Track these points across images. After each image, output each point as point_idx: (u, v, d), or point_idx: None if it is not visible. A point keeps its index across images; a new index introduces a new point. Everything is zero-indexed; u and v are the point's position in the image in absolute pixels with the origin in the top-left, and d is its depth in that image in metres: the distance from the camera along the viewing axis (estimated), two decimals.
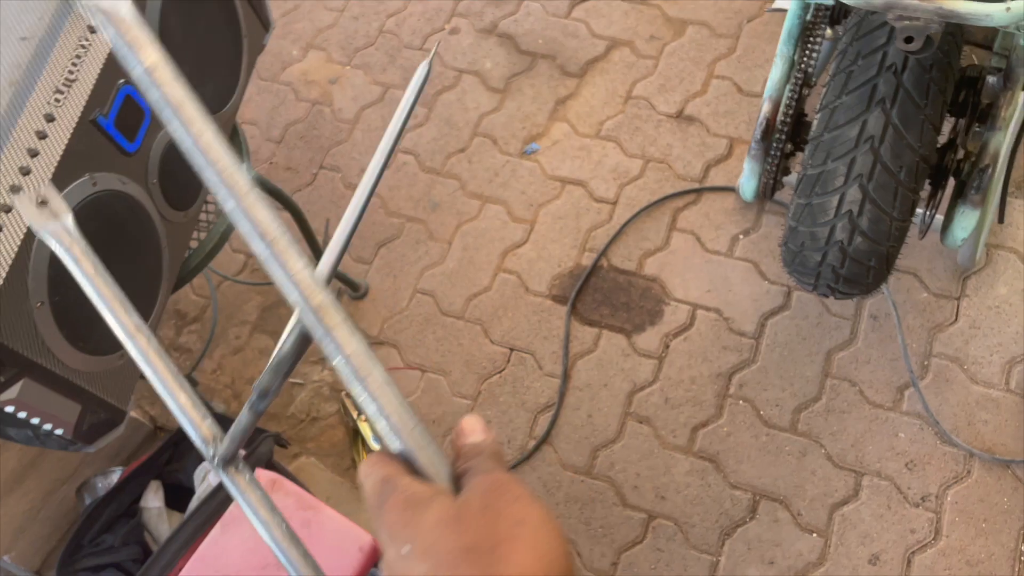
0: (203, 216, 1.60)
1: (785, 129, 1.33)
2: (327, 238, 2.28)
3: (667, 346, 1.98)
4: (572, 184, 2.23)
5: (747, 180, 1.39)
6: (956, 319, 1.90)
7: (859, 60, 1.19)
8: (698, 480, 1.83)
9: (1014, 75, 1.24)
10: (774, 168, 1.36)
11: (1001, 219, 1.71)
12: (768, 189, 1.40)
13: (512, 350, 2.04)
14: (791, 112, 1.33)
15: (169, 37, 1.41)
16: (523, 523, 0.42)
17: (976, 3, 0.94)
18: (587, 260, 2.11)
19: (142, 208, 1.37)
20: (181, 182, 1.48)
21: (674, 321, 2.00)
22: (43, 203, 0.62)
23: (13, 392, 1.17)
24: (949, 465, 1.76)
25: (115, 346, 1.35)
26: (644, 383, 1.94)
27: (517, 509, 0.42)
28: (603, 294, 2.07)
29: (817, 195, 1.24)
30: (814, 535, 1.74)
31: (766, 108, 1.33)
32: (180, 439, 1.87)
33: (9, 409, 1.18)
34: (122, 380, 1.38)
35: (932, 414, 1.79)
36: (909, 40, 0.98)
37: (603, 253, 2.11)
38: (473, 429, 0.50)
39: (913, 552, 1.70)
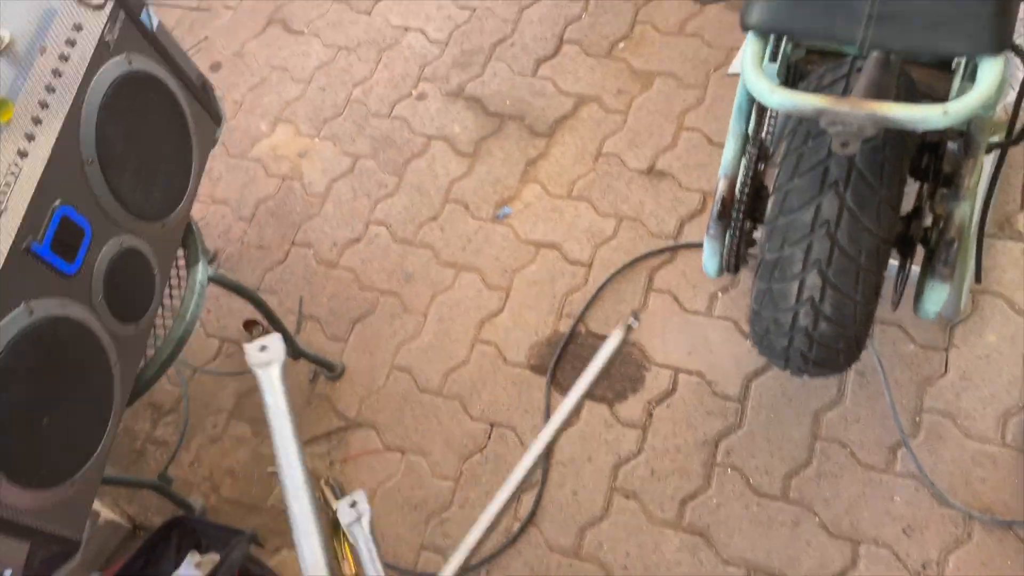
0: (159, 320, 1.56)
1: (742, 207, 1.28)
2: (301, 316, 2.24)
3: (650, 414, 1.92)
4: (546, 247, 2.19)
5: (708, 259, 1.34)
6: (946, 371, 1.83)
7: (809, 140, 1.14)
8: (689, 557, 1.76)
9: (974, 143, 1.20)
10: (735, 246, 1.31)
11: (978, 279, 1.65)
12: (732, 265, 1.35)
13: (492, 426, 1.99)
14: (747, 189, 1.29)
15: (108, 148, 1.37)
16: None
17: (911, 108, 0.89)
18: (564, 326, 2.06)
19: (87, 330, 1.33)
20: (129, 295, 1.44)
21: (656, 387, 1.94)
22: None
23: None
24: (948, 528, 1.69)
25: (66, 475, 1.30)
26: (629, 455, 1.88)
27: None
28: (583, 361, 2.01)
29: (776, 280, 1.19)
30: None
31: (722, 186, 1.29)
32: (156, 543, 1.81)
33: None
34: (75, 509, 1.34)
35: (927, 475, 1.72)
36: (845, 145, 0.93)
37: (580, 318, 2.06)
38: None
39: None
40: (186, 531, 1.82)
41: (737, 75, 2.26)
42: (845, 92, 0.98)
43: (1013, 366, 1.81)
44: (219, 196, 2.48)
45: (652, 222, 2.15)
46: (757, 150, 1.29)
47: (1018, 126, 1.26)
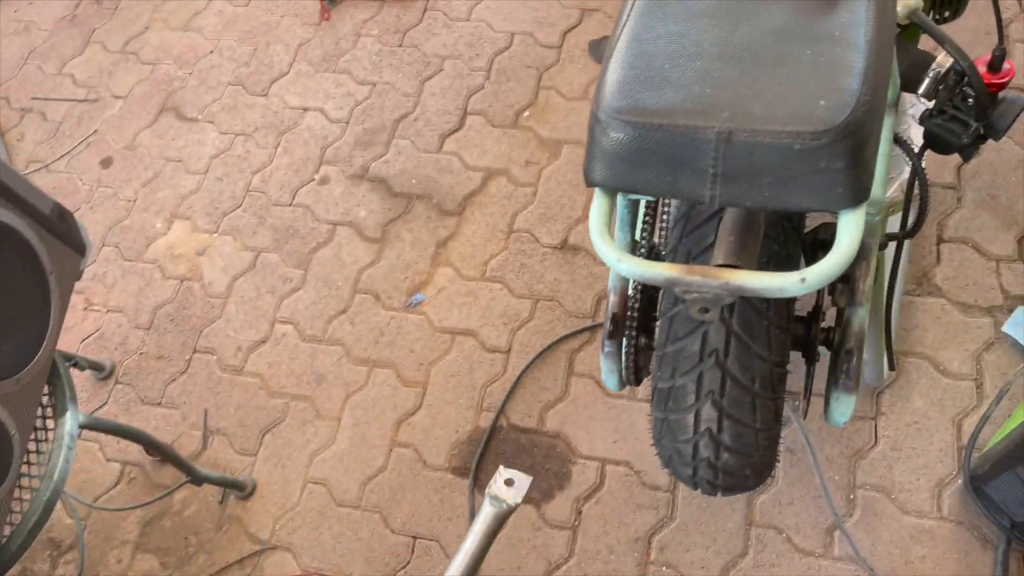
0: (16, 492, 1.41)
1: (635, 323, 1.20)
2: (207, 431, 2.10)
3: (579, 512, 1.82)
4: (462, 335, 2.09)
5: (607, 376, 1.26)
6: (876, 442, 1.77)
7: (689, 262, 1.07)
8: None
9: (865, 247, 1.13)
10: (632, 362, 1.23)
11: (892, 367, 1.60)
12: (633, 378, 1.26)
13: (415, 539, 1.87)
14: (638, 303, 1.20)
15: None
16: None
17: (767, 276, 0.82)
18: (485, 420, 1.96)
19: None
20: None
21: (583, 482, 1.85)
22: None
23: None
24: None
25: None
26: (559, 560, 1.78)
27: None
28: (506, 459, 1.91)
29: (672, 412, 1.10)
30: None
31: (612, 301, 1.20)
32: None
33: None
34: None
35: (864, 560, 1.64)
36: (704, 311, 0.85)
37: (501, 411, 1.96)
38: None
39: None
40: None
41: None
42: (706, 250, 0.90)
43: (944, 431, 1.75)
44: (114, 304, 2.33)
45: (568, 301, 2.07)
46: (647, 252, 1.21)
47: (911, 218, 1.20)
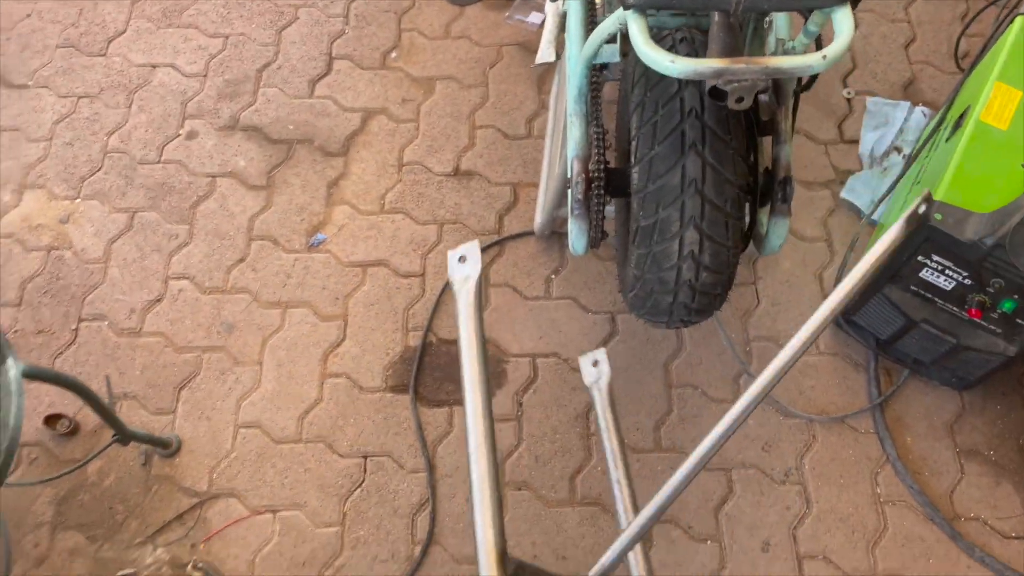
0: None
1: (600, 184, 1.35)
2: (112, 397, 1.98)
3: (520, 404, 1.95)
4: (373, 266, 2.13)
5: (576, 239, 1.40)
6: (759, 302, 2.06)
7: (660, 110, 1.24)
8: (590, 528, 1.82)
9: (782, 91, 1.37)
10: (599, 221, 1.37)
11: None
12: (596, 240, 1.41)
13: (366, 457, 1.90)
14: (601, 167, 1.35)
15: None
16: None
17: (797, 58, 1.01)
18: (414, 339, 2.03)
19: None
20: None
21: (519, 377, 1.98)
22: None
23: None
24: (797, 436, 1.91)
25: None
26: (510, 448, 1.90)
27: None
28: (442, 371, 1.99)
29: (657, 243, 1.27)
30: (709, 542, 1.81)
31: (577, 168, 1.35)
32: None
33: None
34: None
35: (769, 396, 1.92)
36: (740, 100, 1.03)
37: (428, 328, 2.03)
38: None
39: (795, 527, 1.81)
40: None
41: (545, 64, 2.35)
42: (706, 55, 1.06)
43: (810, 284, 2.08)
44: None
45: (472, 221, 2.18)
46: (601, 128, 1.36)
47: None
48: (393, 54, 2.47)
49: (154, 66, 2.46)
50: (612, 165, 1.42)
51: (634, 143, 1.26)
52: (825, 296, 1.99)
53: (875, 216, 2.05)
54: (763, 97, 1.38)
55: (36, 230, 2.20)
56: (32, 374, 1.46)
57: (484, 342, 0.87)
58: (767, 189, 1.39)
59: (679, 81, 1.22)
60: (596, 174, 1.36)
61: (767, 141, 1.41)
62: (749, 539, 1.80)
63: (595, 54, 1.22)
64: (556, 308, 2.06)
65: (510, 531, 1.81)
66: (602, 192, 1.35)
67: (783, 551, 1.79)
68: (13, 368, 1.39)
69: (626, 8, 1.03)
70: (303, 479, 1.89)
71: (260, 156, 2.30)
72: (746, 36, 1.42)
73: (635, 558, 1.06)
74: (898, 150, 2.20)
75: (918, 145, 2.02)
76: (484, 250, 2.14)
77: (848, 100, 2.33)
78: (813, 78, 1.44)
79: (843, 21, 1.03)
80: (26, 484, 1.85)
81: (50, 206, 2.24)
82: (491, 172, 2.25)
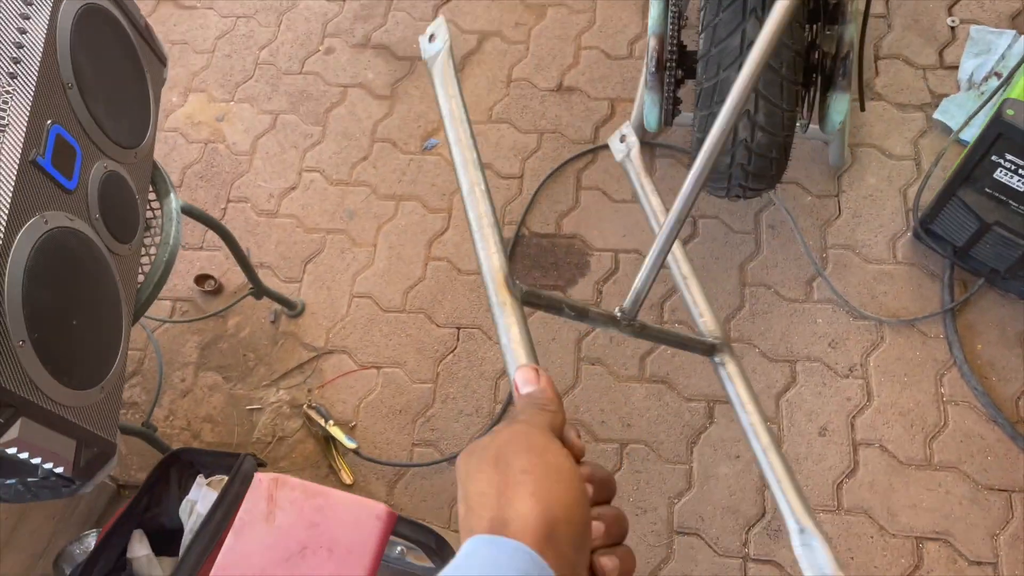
0: (141, 249, 1.61)
1: (674, 58, 1.50)
2: (251, 265, 2.30)
3: (600, 291, 2.12)
4: None
5: (649, 110, 1.55)
6: (840, 213, 2.14)
7: None
8: (656, 402, 1.98)
9: None
10: (671, 95, 1.52)
11: (863, 107, 1.95)
12: (668, 116, 1.56)
13: (459, 328, 2.13)
14: (675, 43, 1.50)
15: (83, 75, 1.43)
16: (528, 471, 0.50)
17: None
18: (509, 232, 2.24)
19: (92, 243, 1.39)
20: (120, 216, 1.50)
21: (601, 269, 2.15)
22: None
23: (13, 432, 1.17)
24: (865, 336, 1.98)
25: (97, 379, 1.36)
26: (588, 328, 2.08)
27: (525, 460, 0.51)
28: (531, 259, 2.19)
29: (717, 103, 1.41)
30: (768, 424, 1.92)
31: (653, 43, 1.50)
32: (155, 482, 1.85)
33: (11, 451, 1.18)
34: (107, 413, 1.39)
35: (840, 296, 2.01)
36: None
37: (522, 223, 2.24)
38: (525, 380, 0.60)
39: (854, 416, 1.90)
40: (184, 465, 1.87)
41: None
42: None
43: (893, 199, 2.14)
44: None
45: (570, 131, 2.36)
46: (676, 11, 1.51)
47: None
48: None
49: None
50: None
51: (702, 13, 1.40)
52: (908, 211, 2.06)
53: (964, 136, 2.08)
54: None
55: (197, 126, 2.56)
56: (188, 209, 1.77)
57: (465, 106, 0.86)
58: (832, 70, 1.50)
59: None
60: (671, 51, 1.51)
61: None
62: (807, 424, 1.91)
63: None
64: (640, 211, 2.21)
65: (581, 399, 2.00)
66: (674, 66, 1.50)
67: (840, 437, 1.88)
68: (174, 201, 1.70)
69: None
70: (404, 343, 2.14)
71: (387, 70, 2.57)
72: None
73: (675, 259, 1.06)
74: (998, 75, 2.21)
75: (1015, 66, 2.03)
76: (579, 156, 2.31)
77: (952, 28, 2.35)
78: None
79: None
80: (179, 322, 2.20)
81: (209, 107, 2.59)
82: (591, 88, 2.42)
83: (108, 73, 1.55)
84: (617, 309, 0.74)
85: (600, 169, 2.30)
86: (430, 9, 2.66)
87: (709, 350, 0.89)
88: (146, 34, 1.72)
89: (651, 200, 1.09)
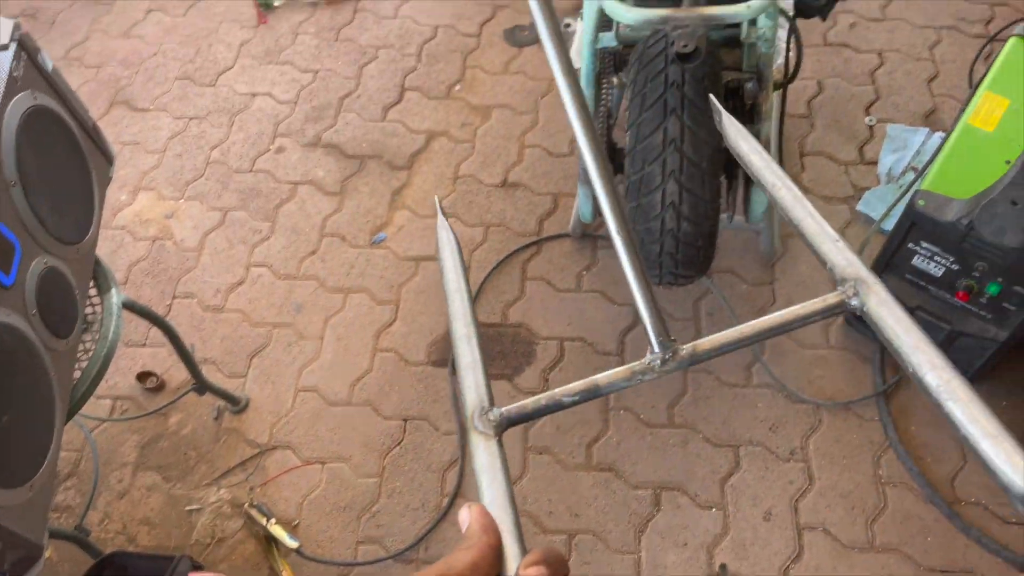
0: (79, 346, 1.60)
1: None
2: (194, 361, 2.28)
3: (546, 379, 2.15)
4: (425, 260, 2.40)
5: (583, 204, 1.62)
6: (775, 300, 2.22)
7: (648, 84, 1.47)
8: (603, 491, 1.98)
9: (763, 77, 1.58)
10: None
11: None
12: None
13: (406, 420, 2.13)
14: (605, 141, 1.59)
15: (26, 173, 1.45)
16: None
17: (727, 8, 1.24)
18: None
19: (27, 338, 1.38)
20: (59, 311, 1.50)
21: (547, 357, 2.18)
22: None
23: None
24: (803, 419, 2.03)
25: (25, 478, 1.33)
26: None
27: None
28: None
29: (643, 195, 1.48)
30: (713, 510, 1.93)
31: None
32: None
33: None
34: (34, 514, 1.35)
35: (778, 380, 2.06)
36: (685, 45, 1.25)
37: None
38: (460, 519, 0.56)
39: (797, 500, 1.92)
40: (117, 570, 1.80)
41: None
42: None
43: (824, 287, 2.23)
44: None
45: (515, 224, 2.43)
46: (605, 110, 1.60)
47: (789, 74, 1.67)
48: (457, 87, 2.80)
49: (254, 95, 2.87)
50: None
51: (628, 112, 1.49)
52: None
53: (885, 225, 2.19)
54: (748, 85, 1.60)
55: (145, 223, 2.58)
56: (129, 304, 1.77)
57: (465, 272, 0.80)
58: None
59: (664, 60, 1.45)
60: None
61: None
62: (752, 508, 1.92)
63: (595, 39, 1.48)
64: (585, 300, 2.27)
65: (529, 489, 1.99)
66: None
67: (784, 521, 1.90)
68: (115, 296, 1.70)
69: None
70: (350, 436, 2.12)
71: (336, 168, 2.64)
72: None
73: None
74: (914, 169, 2.36)
75: (928, 161, 2.17)
76: (524, 248, 2.38)
77: (870, 127, 2.51)
78: (796, 70, 1.65)
79: None
80: (118, 420, 2.15)
81: (158, 204, 2.62)
82: (535, 184, 2.51)
83: (53, 170, 1.57)
84: (648, 353, 0.62)
85: (545, 260, 2.36)
86: (379, 110, 2.76)
87: (840, 303, 0.62)
88: (93, 133, 1.76)
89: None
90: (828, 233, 0.67)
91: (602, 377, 0.63)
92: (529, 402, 0.63)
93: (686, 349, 0.61)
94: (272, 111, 2.81)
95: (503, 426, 0.62)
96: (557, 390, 0.64)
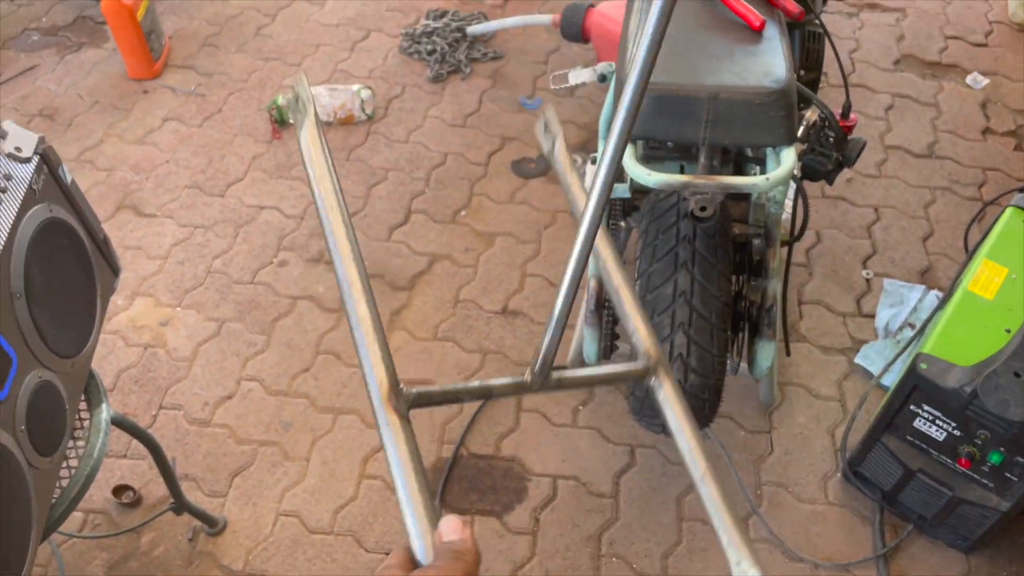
0: (63, 463, 1.55)
1: (610, 300, 1.58)
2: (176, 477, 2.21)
3: (537, 519, 2.08)
4: (420, 384, 2.36)
5: (588, 345, 1.62)
6: (772, 449, 2.19)
7: (659, 236, 1.50)
8: None
9: (771, 235, 1.61)
10: (608, 332, 1.60)
11: (788, 352, 2.06)
12: (607, 350, 1.63)
13: (388, 555, 2.04)
14: None
15: (32, 285, 1.44)
16: None
17: (745, 178, 1.27)
18: (447, 452, 2.22)
19: (12, 456, 1.33)
20: (47, 427, 1.45)
21: (539, 495, 2.12)
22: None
23: None
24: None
25: None
26: (523, 560, 2.01)
27: None
28: (468, 481, 2.16)
29: None
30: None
31: (593, 284, 1.60)
32: None
33: None
34: None
35: (776, 536, 2.01)
36: (703, 209, 1.29)
37: (461, 443, 2.22)
38: (451, 529, 0.60)
39: None
40: None
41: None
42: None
43: (821, 438, 2.20)
44: None
45: (513, 353, 2.42)
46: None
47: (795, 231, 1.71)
48: (463, 212, 2.85)
49: (262, 207, 2.90)
50: None
51: (638, 262, 1.51)
52: (836, 451, 2.12)
53: (884, 381, 2.20)
54: (756, 242, 1.63)
55: (139, 330, 2.55)
56: (118, 421, 1.72)
57: (337, 181, 0.75)
58: (758, 319, 1.61)
59: (677, 215, 1.48)
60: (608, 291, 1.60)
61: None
62: None
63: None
64: (580, 436, 2.23)
65: None
66: (611, 307, 1.59)
67: None
68: (105, 412, 1.66)
69: None
70: (329, 569, 2.03)
71: (337, 285, 2.64)
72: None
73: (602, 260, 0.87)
74: (912, 326, 2.38)
75: (926, 319, 2.20)
76: None
77: (867, 280, 2.55)
78: (803, 230, 1.69)
79: (786, 156, 1.30)
80: (88, 537, 2.05)
81: (155, 311, 2.60)
82: (535, 313, 2.52)
83: (59, 283, 1.56)
84: (527, 371, 0.70)
85: (542, 394, 2.33)
86: (384, 230, 2.79)
87: (643, 374, 0.75)
88: (103, 246, 1.76)
89: (577, 197, 0.88)
90: (639, 317, 0.79)
91: (496, 384, 0.71)
92: (434, 390, 0.67)
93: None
94: (278, 224, 2.84)
95: (416, 401, 0.65)
96: (460, 385, 0.70)
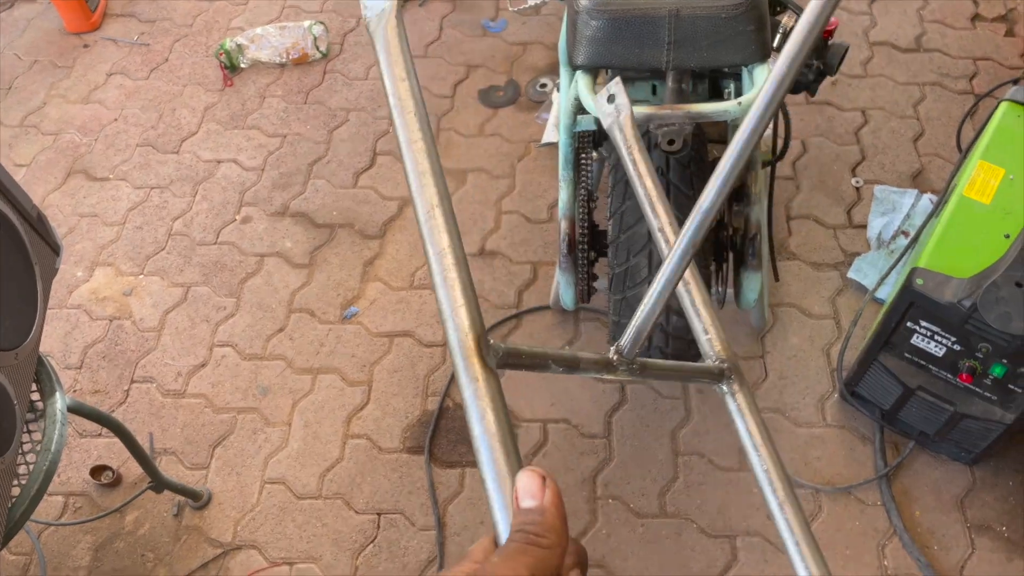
0: (19, 459, 1.46)
1: (585, 240, 1.48)
2: (153, 452, 2.14)
3: None
4: (399, 336, 2.28)
5: (564, 291, 1.52)
6: (766, 375, 2.12)
7: None
8: None
9: (752, 159, 1.50)
10: (584, 275, 1.50)
11: (776, 277, 1.97)
12: (584, 294, 1.53)
13: (380, 515, 1.99)
14: (586, 225, 1.49)
15: None
16: None
17: (716, 104, 1.15)
18: (432, 404, 2.14)
19: None
20: None
21: (529, 440, 2.06)
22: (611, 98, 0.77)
23: None
24: (803, 506, 1.91)
25: None
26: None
27: None
28: (456, 433, 2.09)
29: (629, 288, 1.38)
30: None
31: (564, 226, 1.49)
32: None
33: None
34: None
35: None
36: (671, 142, 1.17)
37: (446, 394, 2.15)
38: (527, 491, 0.46)
39: None
40: None
41: (549, 144, 2.56)
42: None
43: (817, 359, 2.13)
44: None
45: (494, 296, 2.32)
46: (586, 192, 1.51)
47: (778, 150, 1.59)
48: None
49: (219, 161, 2.75)
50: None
51: (609, 200, 1.40)
52: (832, 372, 2.05)
53: (879, 294, 2.11)
54: None
55: (102, 302, 2.44)
56: (75, 408, 1.63)
57: (418, 86, 0.60)
58: (742, 248, 1.50)
59: (649, 145, 1.36)
60: (582, 233, 1.49)
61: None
62: None
63: (574, 122, 1.39)
64: (568, 378, 2.15)
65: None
66: (586, 248, 1.48)
67: None
68: (59, 401, 1.57)
69: (573, 69, 1.19)
70: (320, 533, 1.98)
71: (305, 238, 2.52)
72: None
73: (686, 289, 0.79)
74: (905, 234, 2.28)
75: (920, 226, 2.10)
76: (503, 322, 2.27)
77: (857, 189, 2.44)
78: (784, 149, 1.57)
79: (759, 74, 1.17)
80: (68, 524, 2.00)
81: (116, 281, 2.48)
82: (513, 252, 2.41)
83: None
84: (612, 351, 0.61)
85: (525, 334, 2.25)
86: (350, 177, 2.66)
87: (717, 376, 0.70)
88: (38, 225, 1.63)
89: (647, 183, 0.77)
90: (710, 319, 0.73)
91: (584, 357, 0.60)
92: (523, 349, 0.55)
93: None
94: (238, 179, 2.69)
95: (503, 362, 0.53)
96: (550, 350, 0.58)
